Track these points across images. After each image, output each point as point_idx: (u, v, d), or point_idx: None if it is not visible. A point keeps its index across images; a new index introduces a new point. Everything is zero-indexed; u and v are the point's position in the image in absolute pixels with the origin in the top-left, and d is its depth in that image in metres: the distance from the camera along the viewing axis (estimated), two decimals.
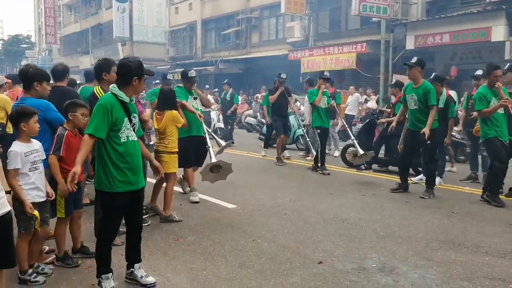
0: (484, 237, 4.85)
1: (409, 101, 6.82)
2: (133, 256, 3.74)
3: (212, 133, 7.71)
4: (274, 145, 10.80)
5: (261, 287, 3.62)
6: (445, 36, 14.46)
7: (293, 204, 6.25)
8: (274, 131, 10.56)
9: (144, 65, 3.71)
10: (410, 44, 15.69)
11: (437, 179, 7.63)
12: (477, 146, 7.83)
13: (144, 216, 5.36)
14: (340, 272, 3.88)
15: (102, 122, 3.36)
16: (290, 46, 21.34)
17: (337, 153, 10.77)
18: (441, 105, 7.41)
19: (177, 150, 5.64)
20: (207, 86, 16.38)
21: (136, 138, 3.58)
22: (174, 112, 5.55)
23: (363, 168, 9.05)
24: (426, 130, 6.41)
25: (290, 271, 3.92)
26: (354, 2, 15.85)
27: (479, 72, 7.62)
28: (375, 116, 9.55)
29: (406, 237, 4.84)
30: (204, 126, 8.04)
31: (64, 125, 3.98)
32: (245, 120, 17.95)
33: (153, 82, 13.46)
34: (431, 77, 7.79)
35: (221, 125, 14.78)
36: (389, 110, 8.93)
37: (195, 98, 6.44)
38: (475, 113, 7.48)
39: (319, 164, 8.91)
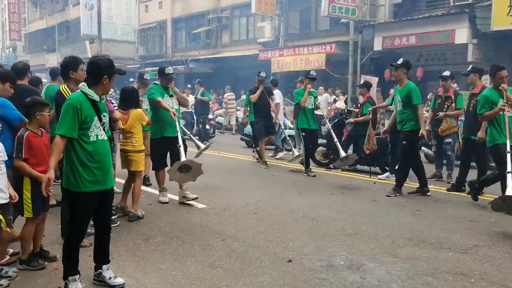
0: (447, 233, 5.00)
1: (396, 103, 7.00)
2: (101, 257, 3.69)
3: (191, 135, 7.61)
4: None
5: (230, 286, 3.63)
6: (412, 38, 14.81)
7: (263, 204, 6.29)
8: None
9: (114, 64, 3.68)
10: (377, 45, 15.99)
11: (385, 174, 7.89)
12: (442, 146, 8.06)
13: (113, 217, 5.31)
14: (309, 270, 3.94)
15: (73, 122, 3.32)
16: (260, 46, 21.43)
17: (296, 152, 10.85)
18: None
19: (144, 148, 5.72)
20: (189, 86, 15.92)
21: (105, 137, 3.54)
22: (139, 110, 5.68)
23: (331, 167, 9.18)
24: (422, 131, 6.66)
25: (259, 270, 3.95)
26: (324, 3, 16.05)
27: (447, 73, 7.85)
28: (344, 116, 9.71)
29: (373, 234, 4.94)
30: (182, 127, 7.95)
31: (27, 125, 3.88)
32: (216, 120, 17.91)
33: (129, 80, 13.31)
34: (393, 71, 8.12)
35: (205, 126, 14.63)
36: (357, 110, 9.09)
37: (171, 96, 6.20)
38: (441, 113, 7.71)
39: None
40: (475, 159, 7.16)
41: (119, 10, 34.05)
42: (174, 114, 5.82)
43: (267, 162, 9.54)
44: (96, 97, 3.44)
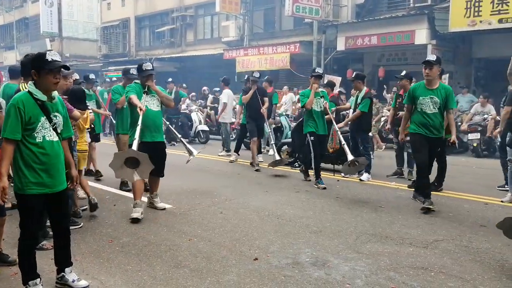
0: (408, 229, 5.15)
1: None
2: (63, 260, 3.61)
3: (182, 139, 7.25)
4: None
5: (197, 286, 3.63)
6: (373, 38, 15.12)
7: (229, 203, 6.30)
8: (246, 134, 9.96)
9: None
10: (341, 45, 16.24)
11: (365, 175, 8.03)
12: (404, 144, 8.26)
13: (76, 218, 5.21)
14: (275, 268, 3.97)
15: (16, 123, 3.21)
16: (225, 45, 21.38)
17: (272, 152, 10.93)
18: (359, 101, 8.01)
19: (87, 148, 5.80)
20: (184, 85, 15.44)
21: (56, 138, 3.40)
22: (86, 111, 5.65)
23: (296, 165, 9.28)
24: (453, 138, 6.01)
25: (226, 268, 3.96)
26: (288, 3, 16.18)
27: (402, 73, 8.06)
28: None
29: (337, 231, 5.04)
30: (173, 130, 7.75)
31: None
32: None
33: (90, 77, 12.98)
34: (353, 76, 8.42)
35: (205, 127, 14.32)
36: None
37: (147, 94, 5.59)
38: (401, 113, 7.91)
39: (309, 174, 7.97)
40: (436, 157, 7.37)
41: (80, 7, 33.23)
42: (141, 109, 5.26)
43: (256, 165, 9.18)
44: (42, 97, 3.32)
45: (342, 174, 8.37)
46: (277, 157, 8.34)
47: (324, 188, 7.25)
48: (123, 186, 7.05)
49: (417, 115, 6.06)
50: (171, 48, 25.00)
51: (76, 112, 5.18)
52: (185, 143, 7.09)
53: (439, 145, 6.31)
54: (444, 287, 3.60)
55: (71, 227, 4.91)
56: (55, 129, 3.39)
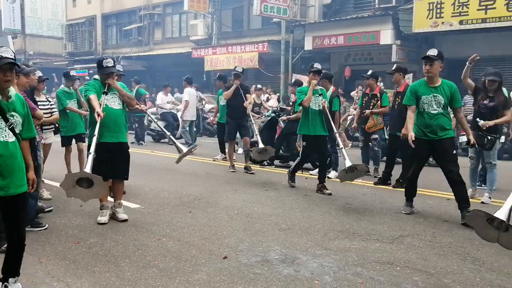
0: (375, 225, 5.27)
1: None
2: (9, 269, 3.33)
3: (172, 137, 6.84)
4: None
5: (166, 285, 3.60)
6: (340, 38, 15.36)
7: (198, 202, 6.28)
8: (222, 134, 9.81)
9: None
10: (308, 45, 16.42)
11: (333, 173, 8.16)
12: (369, 142, 8.43)
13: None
14: (244, 266, 3.99)
15: None
16: (193, 44, 21.28)
17: (240, 151, 10.98)
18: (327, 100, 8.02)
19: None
20: (167, 83, 14.98)
21: (12, 139, 3.21)
22: None
23: (266, 164, 9.34)
24: (470, 138, 5.57)
25: (195, 267, 3.95)
26: (256, 2, 16.25)
27: (369, 72, 8.21)
28: (276, 114, 9.89)
29: (305, 228, 5.10)
30: (162, 128, 7.19)
31: None
32: (148, 119, 17.54)
33: (51, 75, 12.69)
34: (320, 75, 8.42)
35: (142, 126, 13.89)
36: (289, 108, 9.30)
37: (106, 94, 5.18)
38: (367, 111, 8.07)
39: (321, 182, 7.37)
40: (400, 154, 7.57)
41: (44, 4, 32.38)
42: (98, 115, 4.87)
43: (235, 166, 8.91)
44: None
45: (310, 172, 8.47)
46: (261, 145, 7.96)
47: (330, 194, 6.79)
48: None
49: (419, 117, 5.45)
50: (138, 46, 24.68)
51: (39, 112, 5.06)
52: (174, 140, 6.74)
53: (445, 148, 5.41)
54: (409, 281, 3.70)
55: (35, 229, 4.86)
56: (12, 129, 3.21)
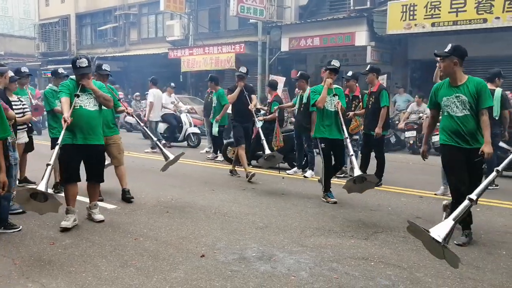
0: (350, 222, 5.36)
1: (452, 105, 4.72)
2: None
3: (158, 143, 6.64)
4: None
5: (144, 284, 3.60)
6: (316, 39, 15.51)
7: (175, 202, 6.28)
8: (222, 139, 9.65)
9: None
10: (285, 46, 16.53)
11: (309, 172, 8.25)
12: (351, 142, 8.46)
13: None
14: (222, 264, 4.02)
15: None
16: (170, 45, 21.17)
17: (212, 155, 10.98)
18: (304, 100, 8.17)
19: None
20: (172, 84, 14.02)
21: None
22: None
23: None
24: (482, 148, 4.50)
25: (173, 266, 3.96)
26: (232, 3, 16.27)
27: (349, 74, 8.31)
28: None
29: (282, 226, 5.16)
30: (148, 132, 7.04)
31: None
32: (125, 120, 17.37)
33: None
34: (298, 75, 8.65)
35: (196, 130, 13.28)
36: (266, 108, 9.37)
37: (78, 97, 4.96)
38: (350, 113, 8.16)
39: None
40: (375, 152, 7.70)
41: (15, 3, 31.78)
42: (65, 121, 4.68)
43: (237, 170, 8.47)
44: None
45: (287, 172, 8.55)
46: (267, 151, 7.42)
47: (335, 203, 6.21)
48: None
49: (445, 120, 4.74)
50: (114, 47, 24.40)
51: (11, 112, 4.98)
52: (161, 147, 6.50)
53: (475, 163, 4.59)
54: (383, 275, 3.80)
55: (9, 231, 4.79)
56: None
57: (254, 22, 17.73)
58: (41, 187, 4.25)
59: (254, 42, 17.73)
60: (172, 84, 13.65)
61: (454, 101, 4.61)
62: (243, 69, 8.22)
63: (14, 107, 5.75)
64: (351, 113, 8.11)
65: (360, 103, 8.14)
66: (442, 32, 13.17)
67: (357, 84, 8.55)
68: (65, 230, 4.88)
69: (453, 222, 3.42)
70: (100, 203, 6.04)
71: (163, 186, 7.29)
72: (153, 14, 23.37)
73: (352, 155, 6.15)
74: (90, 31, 27.06)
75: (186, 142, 13.23)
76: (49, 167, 4.47)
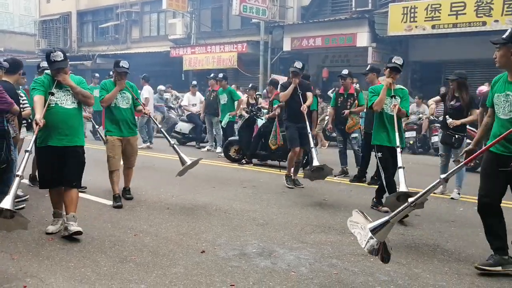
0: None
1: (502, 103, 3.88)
2: None
3: (175, 146, 6.04)
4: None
5: (143, 279, 3.60)
6: (318, 40, 15.54)
7: (176, 199, 6.28)
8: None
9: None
10: (287, 46, 16.56)
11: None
12: (347, 142, 8.47)
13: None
14: (222, 259, 4.02)
15: None
16: (172, 43, 21.17)
17: (219, 149, 11.01)
18: None
19: None
20: (194, 82, 13.70)
21: None
22: None
23: (244, 162, 9.39)
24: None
25: (172, 261, 3.96)
26: (235, 3, 16.29)
27: (345, 72, 8.28)
28: (254, 113, 9.94)
29: (283, 223, 5.16)
30: (164, 133, 6.31)
31: None
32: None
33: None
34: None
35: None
36: (266, 107, 9.37)
37: (52, 95, 4.47)
38: (346, 111, 8.16)
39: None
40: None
41: None
42: (37, 124, 4.20)
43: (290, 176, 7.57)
44: None
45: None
46: (316, 162, 6.41)
47: (386, 212, 5.41)
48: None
49: (495, 122, 3.93)
50: (115, 44, 24.42)
51: (16, 107, 4.97)
52: (179, 151, 5.95)
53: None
54: (382, 271, 3.80)
55: None
56: None
57: (257, 22, 17.74)
58: (5, 204, 3.71)
59: (256, 42, 17.73)
60: (194, 82, 13.55)
61: (502, 100, 3.82)
62: (298, 64, 7.29)
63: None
64: (346, 111, 8.11)
65: (356, 101, 8.12)
66: (442, 34, 13.20)
67: (354, 84, 8.55)
68: (50, 234, 4.62)
69: (387, 220, 3.43)
70: (100, 200, 6.09)
71: (164, 184, 7.29)
72: (155, 12, 23.37)
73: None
74: (91, 29, 27.07)
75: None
76: (17, 178, 3.99)
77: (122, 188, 6.27)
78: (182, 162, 5.85)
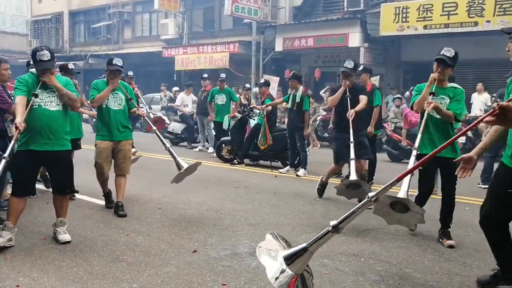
0: None
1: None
2: None
3: (171, 150, 5.56)
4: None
5: (135, 278, 3.62)
6: (310, 40, 15.60)
7: (168, 199, 6.29)
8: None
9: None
10: (279, 46, 16.60)
11: (302, 171, 8.29)
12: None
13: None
14: (213, 259, 4.04)
15: None
16: (164, 43, 21.15)
17: (211, 150, 11.04)
18: (297, 100, 8.21)
19: None
20: (190, 82, 13.80)
21: None
22: None
23: (236, 162, 9.42)
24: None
25: (164, 261, 3.98)
26: (227, 3, 16.30)
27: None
28: (246, 113, 9.97)
29: (274, 223, 5.19)
30: (160, 137, 5.79)
31: None
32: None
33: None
34: (290, 75, 8.66)
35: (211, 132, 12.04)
36: (259, 107, 9.41)
37: (37, 96, 4.25)
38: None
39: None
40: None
41: None
42: (16, 128, 3.94)
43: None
44: None
45: (280, 171, 8.58)
46: (354, 177, 5.32)
47: (452, 247, 4.51)
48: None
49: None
50: (107, 44, 24.34)
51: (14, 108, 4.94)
52: (175, 155, 5.51)
53: None
54: (372, 270, 3.85)
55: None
56: None
57: (249, 22, 17.77)
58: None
59: (248, 42, 17.76)
60: (190, 82, 13.55)
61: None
62: (348, 64, 6.19)
63: None
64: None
65: None
66: (434, 35, 13.30)
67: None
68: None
69: (305, 247, 2.67)
70: (92, 200, 6.09)
71: (156, 184, 7.29)
72: (147, 13, 23.33)
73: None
74: (84, 29, 26.96)
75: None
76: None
77: (115, 202, 5.63)
78: (179, 167, 5.40)
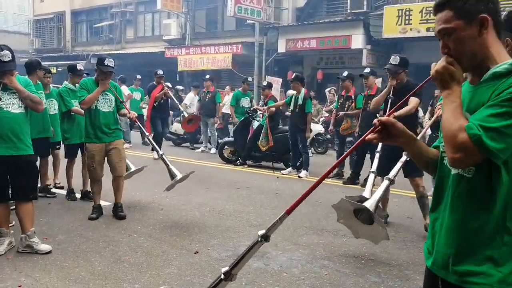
0: None
1: None
2: None
3: (165, 158, 5.26)
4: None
5: (137, 279, 3.64)
6: (313, 42, 15.59)
7: (170, 200, 6.30)
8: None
9: None
10: (281, 48, 16.59)
11: (303, 172, 8.30)
12: (344, 144, 8.37)
13: None
14: (215, 260, 4.06)
15: None
16: (166, 44, 21.17)
17: (213, 150, 11.05)
18: (300, 102, 8.19)
19: None
20: (138, 76, 13.36)
21: None
22: None
23: (238, 163, 9.43)
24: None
25: (166, 262, 4.00)
26: (230, 4, 16.30)
27: (345, 74, 8.19)
28: (249, 114, 9.98)
29: None
30: (151, 142, 5.74)
31: None
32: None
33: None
34: (292, 77, 8.66)
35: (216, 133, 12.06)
36: (262, 108, 9.43)
37: (8, 93, 4.08)
38: (341, 113, 8.21)
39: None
40: (370, 154, 7.73)
41: None
42: None
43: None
44: None
45: (282, 172, 8.59)
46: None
47: None
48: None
49: None
50: (110, 44, 24.35)
51: None
52: (168, 163, 5.22)
53: None
54: (372, 272, 3.86)
55: None
56: None
57: (251, 23, 17.76)
58: None
59: (251, 43, 17.76)
60: (197, 83, 13.43)
61: None
62: (393, 60, 5.28)
63: None
64: (341, 113, 8.17)
65: (353, 104, 8.13)
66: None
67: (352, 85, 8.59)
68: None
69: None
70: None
71: (158, 185, 7.26)
72: (150, 13, 23.35)
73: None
74: (86, 28, 26.98)
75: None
76: None
77: (113, 203, 5.54)
78: (172, 175, 5.13)
